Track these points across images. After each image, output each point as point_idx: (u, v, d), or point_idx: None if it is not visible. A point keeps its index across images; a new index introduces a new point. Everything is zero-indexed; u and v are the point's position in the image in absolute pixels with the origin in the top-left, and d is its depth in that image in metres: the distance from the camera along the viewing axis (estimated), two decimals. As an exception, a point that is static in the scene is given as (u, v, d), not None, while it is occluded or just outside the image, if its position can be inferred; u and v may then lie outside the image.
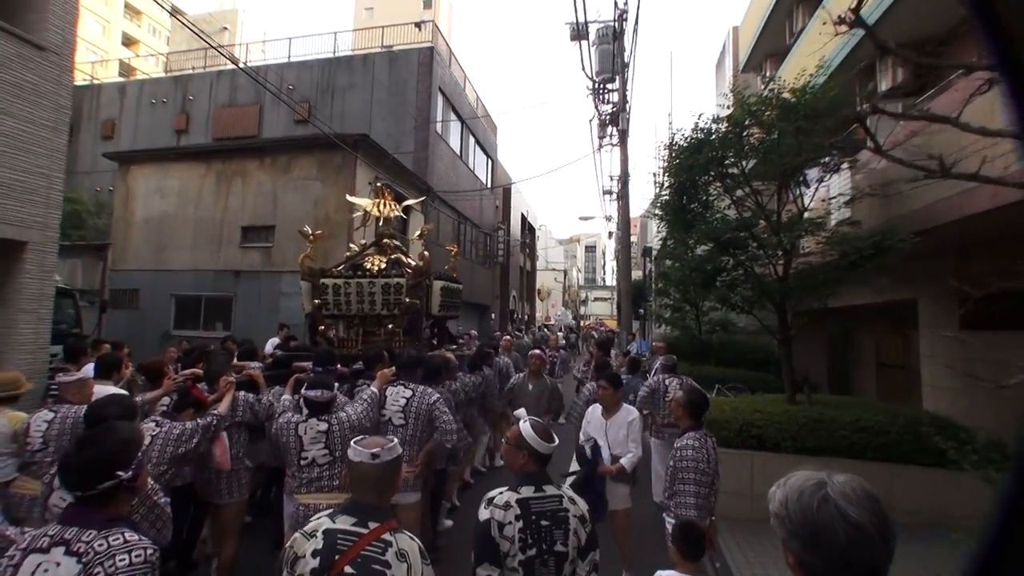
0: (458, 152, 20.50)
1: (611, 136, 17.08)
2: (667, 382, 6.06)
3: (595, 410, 4.46)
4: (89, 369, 4.86)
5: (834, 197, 7.42)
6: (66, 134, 7.54)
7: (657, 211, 9.51)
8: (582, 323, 48.28)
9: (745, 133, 6.96)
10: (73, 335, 9.95)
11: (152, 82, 19.84)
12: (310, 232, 6.07)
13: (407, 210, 6.66)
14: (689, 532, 2.65)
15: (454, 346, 6.97)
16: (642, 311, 24.33)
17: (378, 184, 6.74)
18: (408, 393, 4.06)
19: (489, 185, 25.06)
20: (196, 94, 18.63)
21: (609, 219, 37.08)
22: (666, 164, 7.67)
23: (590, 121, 18.54)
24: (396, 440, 2.05)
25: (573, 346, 27.05)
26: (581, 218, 32.75)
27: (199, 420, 3.53)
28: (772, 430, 5.90)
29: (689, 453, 3.57)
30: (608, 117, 16.41)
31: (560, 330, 29.73)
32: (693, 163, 6.77)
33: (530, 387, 6.12)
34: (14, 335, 6.91)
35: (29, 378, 4.42)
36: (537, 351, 6.90)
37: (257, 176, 13.52)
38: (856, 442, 5.63)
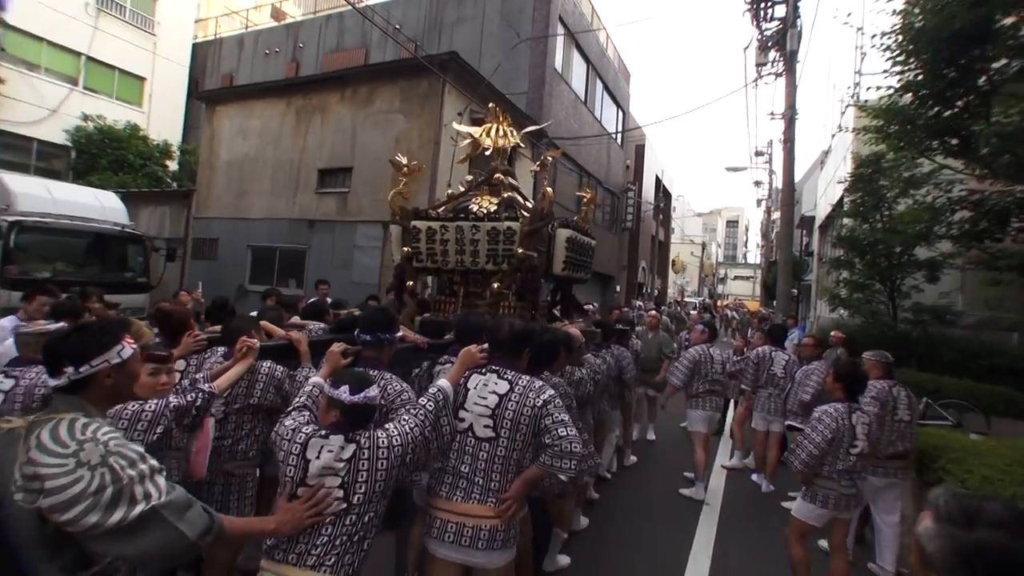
0: (582, 97, 17.75)
1: (773, 63, 13.56)
2: (895, 392, 4.16)
3: None
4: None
5: None
6: None
7: (868, 114, 6.22)
8: (719, 303, 43.44)
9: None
10: (140, 284, 9.30)
11: (266, 32, 19.55)
12: (404, 163, 4.69)
13: (514, 151, 5.01)
14: None
15: (581, 319, 5.47)
16: (796, 291, 20.26)
17: (490, 105, 5.02)
18: (503, 386, 2.44)
19: (619, 140, 21.96)
20: (306, 41, 17.96)
21: (758, 184, 32.34)
22: (900, 28, 4.43)
23: (744, 49, 15.11)
24: None
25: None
26: (728, 168, 28.51)
27: (170, 399, 2.31)
28: None
29: None
30: (771, 37, 12.89)
31: (694, 309, 25.95)
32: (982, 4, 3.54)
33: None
34: None
35: None
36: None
37: (336, 111, 12.22)
38: None
